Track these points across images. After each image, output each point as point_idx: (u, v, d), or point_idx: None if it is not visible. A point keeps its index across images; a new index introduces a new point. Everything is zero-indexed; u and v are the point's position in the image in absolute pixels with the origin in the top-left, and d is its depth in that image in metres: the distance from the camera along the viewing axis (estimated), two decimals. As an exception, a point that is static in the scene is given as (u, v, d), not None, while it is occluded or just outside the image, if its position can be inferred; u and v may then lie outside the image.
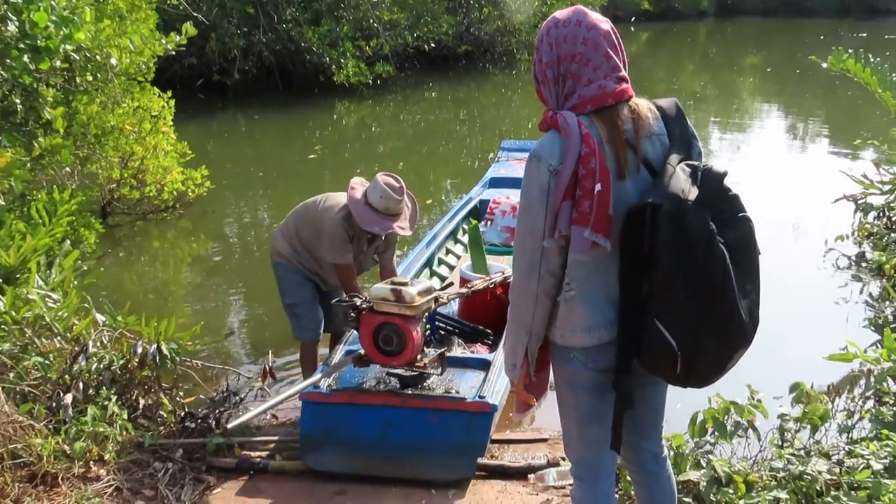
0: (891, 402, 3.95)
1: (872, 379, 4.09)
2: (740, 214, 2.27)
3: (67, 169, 7.54)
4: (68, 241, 5.45)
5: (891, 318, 5.97)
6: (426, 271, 5.91)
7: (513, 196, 6.76)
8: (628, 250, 2.31)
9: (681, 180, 2.24)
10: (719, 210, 2.23)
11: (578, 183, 2.25)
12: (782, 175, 10.68)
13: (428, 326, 4.14)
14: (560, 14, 2.36)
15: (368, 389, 4.13)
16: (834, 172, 9.95)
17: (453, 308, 5.01)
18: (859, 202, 7.31)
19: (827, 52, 7.80)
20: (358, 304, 3.99)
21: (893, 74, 7.11)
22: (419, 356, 3.94)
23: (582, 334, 2.39)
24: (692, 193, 2.22)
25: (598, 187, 2.22)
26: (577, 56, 2.29)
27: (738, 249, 2.21)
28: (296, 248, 4.67)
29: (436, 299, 4.10)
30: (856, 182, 7.47)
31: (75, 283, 4.95)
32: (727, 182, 2.28)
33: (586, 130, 2.26)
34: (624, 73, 2.34)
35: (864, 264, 7.03)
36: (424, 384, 4.12)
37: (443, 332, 4.48)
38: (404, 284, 3.92)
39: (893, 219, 7.03)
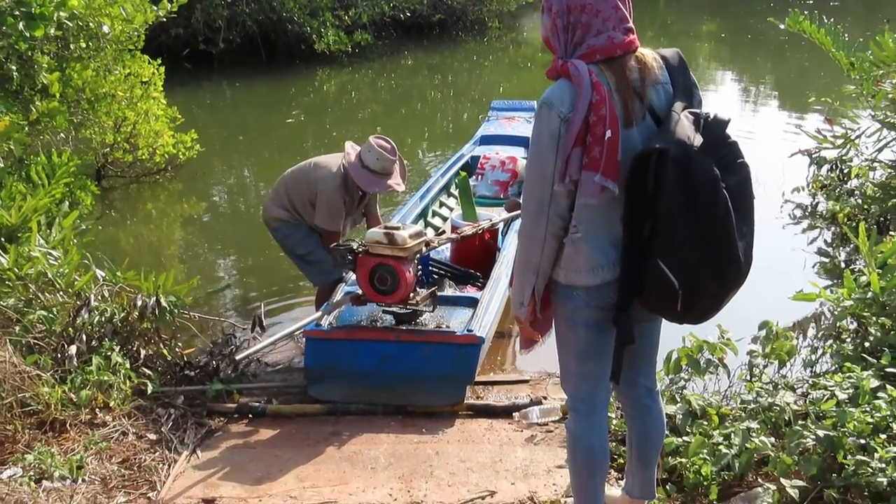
0: (849, 338, 3.96)
1: (832, 317, 4.12)
2: (739, 160, 2.25)
3: (62, 134, 7.39)
4: (67, 203, 5.34)
5: (843, 263, 5.99)
6: (421, 222, 5.95)
7: (501, 152, 6.82)
8: (633, 194, 2.27)
9: (686, 127, 2.21)
10: (721, 156, 2.22)
11: (589, 130, 2.21)
12: (739, 133, 10.65)
13: (419, 267, 4.18)
14: None
15: (366, 326, 4.20)
16: (787, 129, 9.98)
17: (446, 254, 5.06)
18: (814, 156, 7.30)
19: (778, 17, 7.78)
20: (354, 247, 4.02)
21: (845, 35, 7.07)
22: (412, 294, 4.01)
23: (586, 274, 2.37)
24: (697, 140, 2.20)
25: (608, 133, 2.19)
26: (587, 6, 2.25)
27: (737, 194, 2.20)
28: (290, 212, 4.68)
29: (427, 243, 4.16)
30: (811, 137, 7.46)
31: (75, 241, 4.87)
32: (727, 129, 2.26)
33: (597, 79, 2.22)
34: (631, 24, 2.30)
35: (818, 214, 7.05)
36: (418, 321, 4.19)
37: (436, 276, 4.56)
38: (396, 228, 3.99)
39: (845, 171, 7.02)
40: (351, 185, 4.54)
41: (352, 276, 4.28)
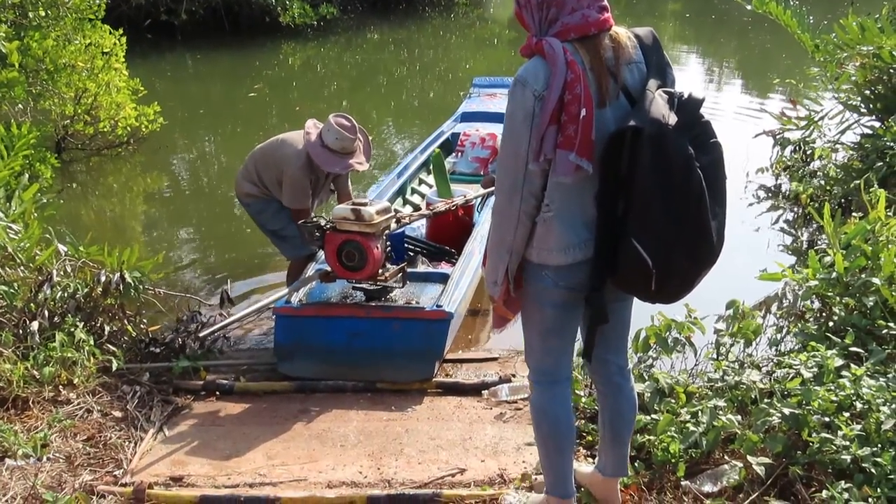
0: (813, 317, 4.01)
1: (795, 297, 4.17)
2: (712, 140, 2.25)
3: (20, 105, 7.22)
4: (26, 175, 5.21)
5: (806, 243, 6.08)
6: (399, 199, 5.96)
7: (482, 129, 6.81)
8: (607, 173, 2.27)
9: (661, 106, 2.20)
10: (694, 135, 2.21)
11: (564, 108, 2.19)
12: (705, 114, 10.71)
13: (388, 243, 4.15)
14: None
15: (336, 303, 4.20)
16: (751, 110, 10.07)
17: (422, 231, 5.08)
18: (777, 137, 7.37)
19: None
20: (322, 224, 4.01)
21: (810, 17, 7.13)
22: (381, 271, 4.01)
23: (557, 253, 2.35)
24: (672, 118, 2.18)
25: (583, 112, 2.17)
26: None
27: (710, 173, 2.20)
28: (260, 187, 4.62)
29: (398, 219, 4.17)
30: (774, 118, 7.53)
31: (35, 215, 4.74)
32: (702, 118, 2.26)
33: (571, 57, 2.20)
34: (605, 2, 2.28)
35: (781, 195, 7.13)
36: (388, 297, 4.18)
37: (411, 253, 4.57)
38: (363, 205, 3.96)
39: (809, 152, 7.11)
40: (316, 163, 4.49)
41: (322, 253, 4.24)
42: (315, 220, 4.08)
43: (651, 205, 2.20)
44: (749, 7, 7.24)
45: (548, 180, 2.29)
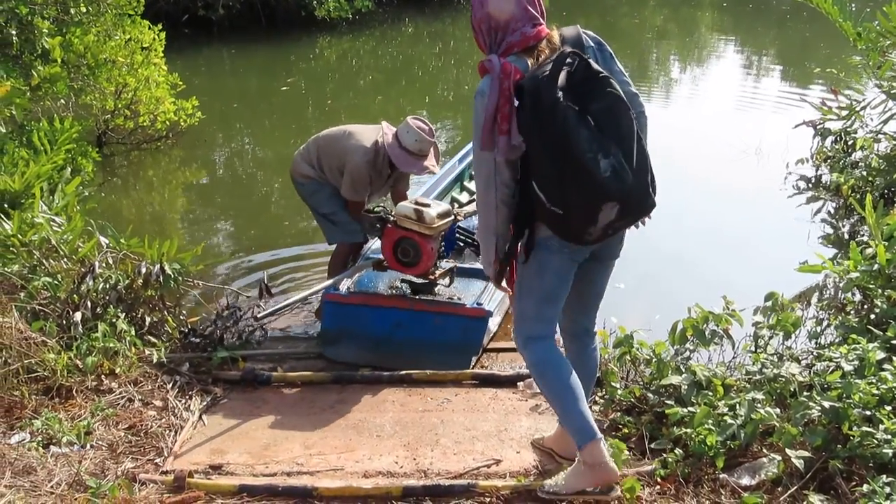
0: (854, 310, 3.96)
1: (835, 289, 4.12)
2: (607, 89, 2.55)
3: (62, 100, 7.34)
4: (68, 169, 5.31)
5: (847, 234, 5.99)
6: (457, 185, 6.07)
7: None
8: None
9: (545, 68, 2.54)
10: (586, 88, 2.52)
11: (499, 108, 2.58)
12: (743, 104, 10.61)
13: (442, 244, 4.29)
14: None
15: (382, 293, 4.34)
16: (790, 100, 9.92)
17: (474, 222, 5.09)
18: (818, 127, 7.26)
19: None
20: (384, 217, 4.16)
21: (852, 5, 7.00)
22: (431, 269, 4.14)
23: None
24: (546, 72, 2.52)
25: (516, 102, 2.57)
26: (503, 12, 2.63)
27: (602, 117, 2.52)
28: (317, 171, 4.62)
29: (454, 220, 4.29)
30: (815, 108, 7.41)
31: (77, 208, 4.84)
32: (597, 67, 2.57)
33: (513, 65, 2.58)
34: (540, 20, 2.67)
35: (821, 186, 7.03)
36: (433, 291, 4.30)
37: (461, 244, 4.65)
38: (426, 206, 4.08)
39: (850, 143, 6.99)
40: (381, 163, 4.47)
41: (375, 242, 4.42)
42: (378, 211, 4.21)
43: (534, 147, 2.56)
44: (790, -5, 7.13)
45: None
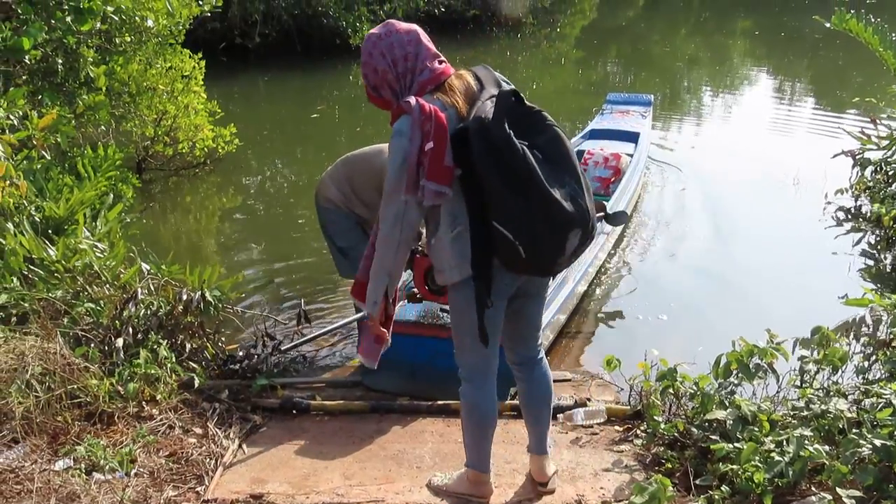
0: (901, 345, 3.87)
1: (878, 322, 4.03)
2: (547, 122, 2.65)
3: (103, 127, 7.45)
4: (111, 196, 5.37)
5: (890, 266, 5.89)
6: None
7: (606, 148, 6.78)
8: (463, 175, 2.64)
9: (485, 109, 2.60)
10: (526, 124, 2.61)
11: (422, 148, 2.60)
12: (778, 133, 10.54)
13: None
14: (376, 30, 2.73)
15: (422, 322, 4.35)
16: (827, 130, 9.83)
17: None
18: (857, 157, 7.18)
19: (814, 14, 7.71)
20: (413, 247, 4.01)
21: (893, 34, 6.94)
22: None
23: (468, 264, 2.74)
24: (489, 113, 2.58)
25: (429, 145, 2.57)
26: (408, 55, 2.68)
27: (548, 148, 2.62)
28: (346, 195, 4.49)
29: None
30: (854, 138, 7.33)
31: (120, 234, 4.89)
32: (529, 102, 2.65)
33: (430, 105, 2.59)
34: (442, 57, 2.73)
35: (861, 217, 6.93)
36: None
37: None
38: None
39: (891, 173, 6.90)
40: None
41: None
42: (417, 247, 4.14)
43: (494, 186, 2.57)
44: (828, 25, 7.08)
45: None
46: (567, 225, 2.62)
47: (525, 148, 2.55)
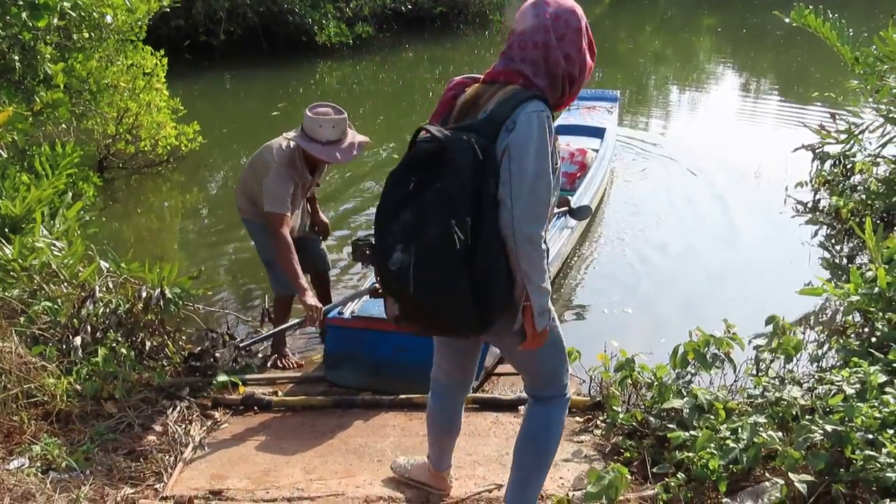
0: (855, 333, 3.95)
1: (835, 312, 4.11)
2: (437, 184, 2.30)
3: (63, 125, 7.36)
4: (70, 194, 5.32)
5: (846, 258, 5.99)
6: None
7: (573, 143, 6.79)
8: None
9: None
10: (435, 174, 2.31)
11: None
12: (741, 128, 10.66)
13: None
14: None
15: (383, 317, 4.18)
16: (788, 125, 9.96)
17: None
18: (817, 151, 7.28)
19: (774, 12, 7.84)
20: (373, 242, 3.98)
21: (849, 29, 7.05)
22: None
23: None
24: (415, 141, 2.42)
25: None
26: (507, 35, 2.49)
27: (420, 211, 2.31)
28: (253, 203, 4.34)
29: None
30: (813, 132, 7.44)
31: (78, 232, 4.85)
32: (446, 155, 2.30)
33: (452, 92, 2.54)
34: (520, 65, 2.41)
35: (821, 209, 7.04)
36: None
37: None
38: None
39: (849, 166, 7.01)
40: (300, 164, 4.18)
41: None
42: (367, 238, 4.09)
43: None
44: (787, 20, 7.18)
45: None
46: (383, 283, 2.48)
47: (402, 185, 2.37)
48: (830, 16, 7.06)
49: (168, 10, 7.13)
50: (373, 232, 2.50)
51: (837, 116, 7.49)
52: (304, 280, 4.12)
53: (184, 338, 4.58)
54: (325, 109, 4.09)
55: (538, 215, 2.31)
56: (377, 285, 4.16)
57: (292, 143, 4.15)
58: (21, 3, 4.90)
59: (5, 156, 5.02)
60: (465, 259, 2.25)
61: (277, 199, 4.09)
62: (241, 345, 4.18)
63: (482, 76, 2.51)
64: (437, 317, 2.39)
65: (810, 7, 7.02)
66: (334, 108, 4.13)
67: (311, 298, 4.07)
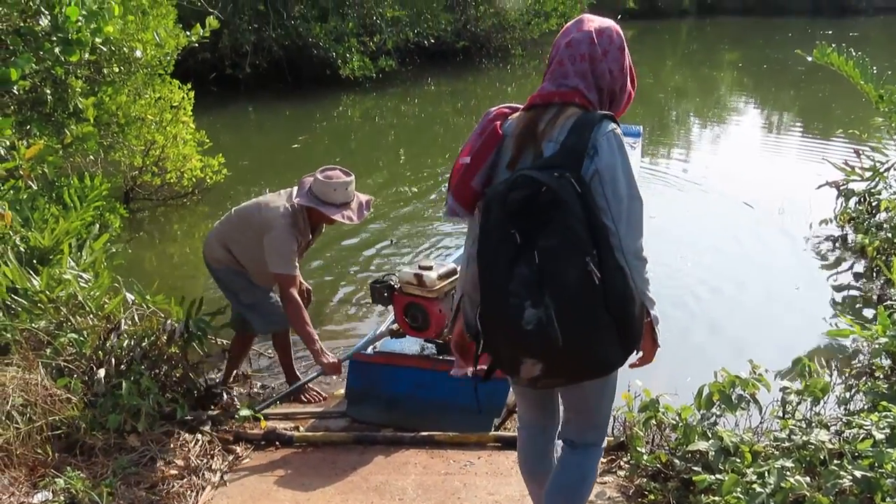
0: (883, 375, 3.89)
1: (862, 353, 4.06)
2: (556, 228, 2.20)
3: (91, 157, 7.46)
4: (97, 225, 5.37)
5: (875, 296, 5.92)
6: None
7: None
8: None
9: (504, 181, 2.30)
10: (545, 218, 2.20)
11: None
12: (764, 164, 10.62)
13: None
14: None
15: (406, 354, 4.37)
16: (812, 161, 9.92)
17: None
18: (841, 188, 7.23)
19: (798, 48, 7.83)
20: (392, 284, 4.14)
21: (873, 67, 7.03)
22: (446, 330, 4.07)
23: None
24: (508, 192, 2.26)
25: (463, 160, 2.40)
26: (554, 58, 2.43)
27: (546, 259, 2.19)
28: (234, 254, 4.37)
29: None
30: (838, 169, 7.40)
31: (105, 264, 4.88)
32: (551, 196, 2.20)
33: (496, 122, 2.42)
34: (574, 80, 2.37)
35: (846, 247, 6.98)
36: None
37: None
38: (428, 269, 4.05)
39: (874, 204, 6.95)
40: (303, 224, 4.27)
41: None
42: (385, 280, 4.19)
43: (478, 268, 2.33)
44: (810, 59, 7.17)
45: None
46: (525, 349, 2.22)
47: (508, 244, 2.22)
48: (854, 54, 7.04)
49: (196, 44, 7.21)
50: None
51: (861, 153, 7.43)
52: (318, 341, 4.21)
53: (207, 371, 4.59)
54: (334, 173, 4.24)
55: (640, 231, 2.33)
56: (395, 326, 4.23)
57: (296, 204, 4.23)
58: (55, 38, 4.98)
59: (35, 188, 5.08)
60: (602, 293, 2.21)
61: (287, 261, 4.16)
62: (257, 409, 4.17)
63: (521, 105, 2.47)
64: (589, 360, 2.27)
65: (833, 45, 7.01)
66: (342, 170, 4.28)
67: (328, 357, 4.18)
